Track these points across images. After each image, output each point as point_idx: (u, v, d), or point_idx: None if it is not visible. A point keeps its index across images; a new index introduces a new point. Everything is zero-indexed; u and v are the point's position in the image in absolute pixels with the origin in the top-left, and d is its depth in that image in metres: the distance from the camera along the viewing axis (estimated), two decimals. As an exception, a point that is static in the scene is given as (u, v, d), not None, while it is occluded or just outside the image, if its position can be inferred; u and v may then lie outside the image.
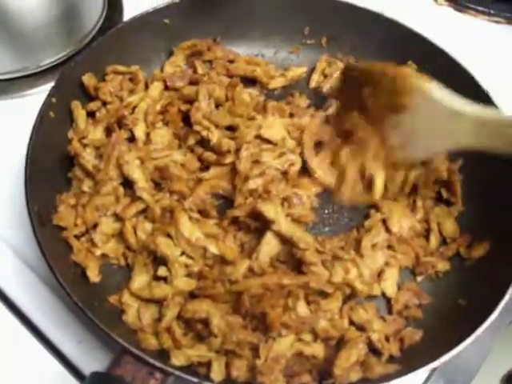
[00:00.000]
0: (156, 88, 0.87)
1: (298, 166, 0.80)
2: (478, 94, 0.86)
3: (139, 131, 0.82)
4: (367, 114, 0.76)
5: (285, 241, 0.73)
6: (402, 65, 0.89)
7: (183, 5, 0.91)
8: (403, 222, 0.80)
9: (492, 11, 1.07)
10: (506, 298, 0.70)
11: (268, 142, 0.81)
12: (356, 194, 0.76)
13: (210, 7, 0.93)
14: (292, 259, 0.74)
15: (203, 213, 0.78)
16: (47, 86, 0.82)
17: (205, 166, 0.82)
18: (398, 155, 0.75)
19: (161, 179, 0.79)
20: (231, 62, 0.94)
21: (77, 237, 0.76)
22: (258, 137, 0.81)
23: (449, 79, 0.88)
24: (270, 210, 0.73)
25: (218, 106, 0.85)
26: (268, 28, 0.96)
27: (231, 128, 0.83)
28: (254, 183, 0.77)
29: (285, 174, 0.80)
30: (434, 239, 0.81)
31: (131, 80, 0.88)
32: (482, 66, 0.99)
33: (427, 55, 0.90)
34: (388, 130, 0.75)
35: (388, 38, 0.93)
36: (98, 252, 0.76)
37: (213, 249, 0.73)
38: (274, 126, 0.82)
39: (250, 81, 0.93)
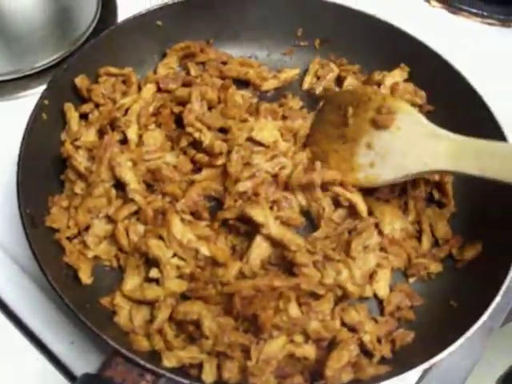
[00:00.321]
0: (149, 90, 0.87)
1: (288, 170, 0.80)
2: (472, 97, 0.86)
3: (132, 133, 0.82)
4: (344, 133, 0.82)
5: (275, 243, 0.74)
6: (395, 67, 0.91)
7: (176, 7, 0.91)
8: (395, 223, 0.80)
9: (485, 13, 1.07)
10: (497, 299, 0.70)
11: (260, 144, 0.81)
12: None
13: (203, 9, 0.93)
14: (283, 261, 0.74)
15: (195, 215, 0.78)
16: (41, 89, 0.81)
17: (197, 168, 0.82)
18: (364, 176, 0.79)
19: (153, 181, 0.79)
20: (224, 63, 0.94)
21: (69, 239, 0.77)
22: (250, 139, 0.81)
23: (442, 81, 0.89)
24: (258, 214, 0.73)
25: (210, 107, 0.85)
26: (261, 30, 0.96)
27: (224, 130, 0.83)
28: (244, 186, 0.77)
29: (275, 176, 0.80)
30: (426, 241, 0.81)
31: (124, 82, 0.88)
32: (475, 67, 0.99)
33: (420, 57, 0.90)
34: (361, 149, 0.80)
35: (381, 40, 0.93)
36: (91, 254, 0.76)
37: (204, 251, 0.73)
38: (266, 129, 0.82)
39: (242, 83, 0.93)
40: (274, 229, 0.73)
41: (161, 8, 0.91)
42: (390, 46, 0.92)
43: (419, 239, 0.82)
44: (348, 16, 0.93)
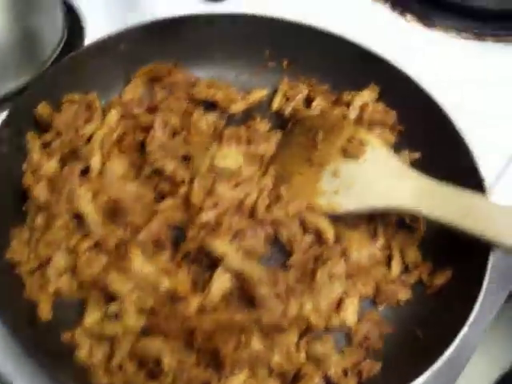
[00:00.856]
0: (113, 116, 0.86)
1: (253, 196, 0.78)
2: (442, 121, 0.84)
3: (94, 162, 0.81)
4: (312, 157, 0.81)
5: (237, 275, 0.72)
6: (365, 86, 0.89)
7: (141, 29, 0.90)
8: (363, 250, 0.78)
9: (460, 27, 1.05)
10: (465, 329, 0.68)
11: (223, 171, 0.79)
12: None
13: (168, 31, 0.91)
14: (245, 293, 0.72)
15: (157, 245, 0.76)
16: (2, 116, 0.80)
17: (160, 197, 0.80)
18: (327, 203, 0.78)
19: (114, 212, 0.77)
20: (192, 85, 0.92)
21: (30, 272, 0.75)
22: (213, 167, 0.79)
23: (412, 103, 0.87)
24: (219, 246, 0.72)
25: (174, 134, 0.83)
26: (229, 51, 0.94)
27: (187, 157, 0.81)
28: (207, 215, 0.75)
29: (240, 205, 0.78)
30: (395, 266, 0.79)
31: (88, 108, 0.87)
32: (450, 82, 0.98)
33: (390, 78, 0.88)
34: (327, 175, 0.80)
35: (350, 60, 0.91)
36: (52, 287, 0.74)
37: (165, 284, 0.71)
38: (230, 155, 0.80)
39: (211, 105, 0.91)
40: (235, 261, 0.72)
41: (125, 31, 0.89)
42: (359, 66, 0.91)
43: (388, 265, 0.80)
44: (316, 36, 0.92)
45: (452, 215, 0.72)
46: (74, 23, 1.02)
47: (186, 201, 0.78)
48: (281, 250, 0.79)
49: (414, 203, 0.74)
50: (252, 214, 0.78)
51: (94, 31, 1.00)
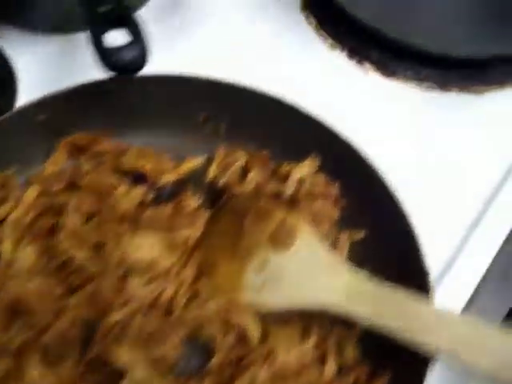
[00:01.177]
0: (30, 194, 0.79)
1: (171, 291, 0.71)
2: (387, 200, 0.75)
3: (5, 249, 0.75)
4: (238, 245, 0.74)
5: (143, 388, 0.65)
6: (306, 156, 0.82)
7: (63, 96, 0.83)
8: (292, 350, 0.70)
9: (421, 76, 0.96)
10: None
11: (136, 264, 0.72)
12: None
13: (95, 97, 0.84)
14: (151, 410, 0.65)
15: (62, 348, 0.70)
16: None
17: (71, 291, 0.73)
18: (252, 299, 0.71)
19: (17, 311, 0.71)
20: (121, 155, 0.85)
21: None
22: (126, 258, 0.72)
23: (355, 174, 0.79)
24: (123, 355, 0.65)
25: (89, 218, 0.77)
26: (161, 117, 0.86)
27: (100, 245, 0.74)
28: (116, 316, 0.68)
29: (155, 301, 0.71)
30: (329, 368, 0.71)
31: (3, 187, 0.80)
32: (408, 141, 0.90)
33: (333, 147, 0.80)
34: (253, 267, 0.72)
35: (291, 126, 0.82)
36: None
37: (63, 400, 0.65)
38: (146, 245, 0.73)
39: (141, 176, 0.84)
40: (140, 372, 0.65)
41: (45, 99, 0.82)
42: (300, 132, 0.82)
43: (321, 365, 0.72)
44: (256, 101, 0.83)
45: (387, 321, 0.64)
46: (4, 82, 0.95)
47: (97, 296, 0.71)
48: (198, 350, 0.71)
49: (347, 305, 0.66)
50: (168, 312, 0.71)
51: (29, 96, 0.92)
